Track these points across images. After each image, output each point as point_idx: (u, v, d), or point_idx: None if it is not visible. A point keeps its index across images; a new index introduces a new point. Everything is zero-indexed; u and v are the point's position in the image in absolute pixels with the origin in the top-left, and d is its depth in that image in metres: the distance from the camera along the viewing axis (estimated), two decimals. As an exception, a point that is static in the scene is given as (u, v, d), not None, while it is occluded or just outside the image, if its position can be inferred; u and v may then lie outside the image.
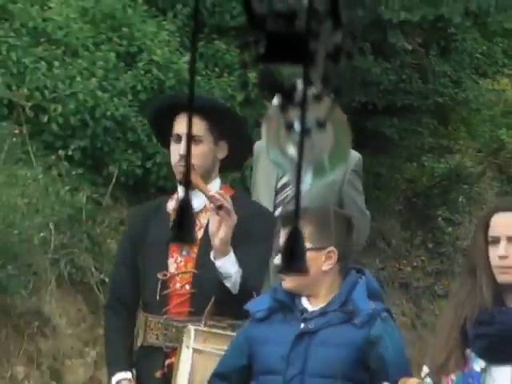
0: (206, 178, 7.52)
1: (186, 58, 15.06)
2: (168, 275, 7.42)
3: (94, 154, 14.51)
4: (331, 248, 7.26)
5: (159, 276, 7.37)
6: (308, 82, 1.65)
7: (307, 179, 1.75)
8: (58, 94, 13.72)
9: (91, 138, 13.99)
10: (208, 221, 7.53)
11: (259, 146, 12.12)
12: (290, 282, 6.94)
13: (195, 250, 7.54)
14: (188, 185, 6.32)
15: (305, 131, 1.67)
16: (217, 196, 7.23)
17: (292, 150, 1.70)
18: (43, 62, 14.35)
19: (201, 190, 7.34)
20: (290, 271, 1.98)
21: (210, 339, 6.99)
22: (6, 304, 16.09)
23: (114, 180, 13.89)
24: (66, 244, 17.52)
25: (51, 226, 15.07)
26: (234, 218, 7.17)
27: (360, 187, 11.56)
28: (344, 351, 6.82)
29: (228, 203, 7.23)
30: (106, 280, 16.44)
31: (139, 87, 15.16)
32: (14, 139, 15.36)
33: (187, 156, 7.82)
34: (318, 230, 7.41)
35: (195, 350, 6.76)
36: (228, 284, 7.25)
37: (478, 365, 6.26)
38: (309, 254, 6.77)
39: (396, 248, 20.14)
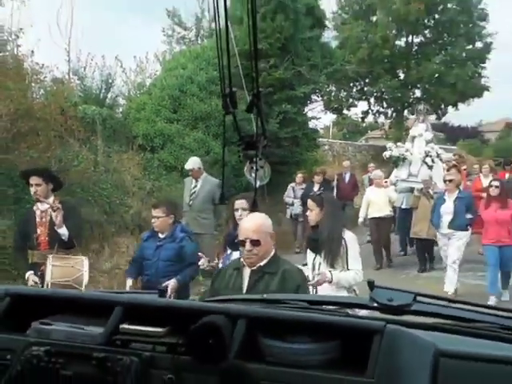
0: (47, 196, 6.61)
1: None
2: (37, 235, 6.58)
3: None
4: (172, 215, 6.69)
5: (34, 235, 6.56)
6: (257, 155, 1.56)
7: (258, 184, 1.70)
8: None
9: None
10: (50, 213, 6.66)
11: (185, 180, 10.72)
12: None
13: (47, 225, 6.70)
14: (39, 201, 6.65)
15: (257, 169, 1.59)
16: (53, 205, 6.43)
17: (253, 175, 1.65)
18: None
19: (47, 203, 6.55)
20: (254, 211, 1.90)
21: (59, 260, 6.33)
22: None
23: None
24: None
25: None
26: (61, 212, 6.38)
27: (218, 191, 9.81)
28: (172, 251, 6.38)
29: (59, 207, 6.47)
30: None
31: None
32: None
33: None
34: (171, 206, 6.89)
35: (53, 265, 6.24)
36: (63, 238, 6.48)
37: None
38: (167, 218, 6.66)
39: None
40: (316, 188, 13.27)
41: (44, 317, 1.90)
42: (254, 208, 1.94)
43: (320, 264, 5.44)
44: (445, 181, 10.55)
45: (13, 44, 10.86)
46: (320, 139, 22.92)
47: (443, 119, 39.52)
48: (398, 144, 14.43)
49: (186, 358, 1.69)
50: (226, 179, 11.64)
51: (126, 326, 1.82)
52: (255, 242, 4.01)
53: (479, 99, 34.85)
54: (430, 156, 13.50)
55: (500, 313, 1.96)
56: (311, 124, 19.68)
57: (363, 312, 2.11)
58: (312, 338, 1.71)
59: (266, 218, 4.25)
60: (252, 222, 4.12)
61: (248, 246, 4.02)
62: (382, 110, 35.56)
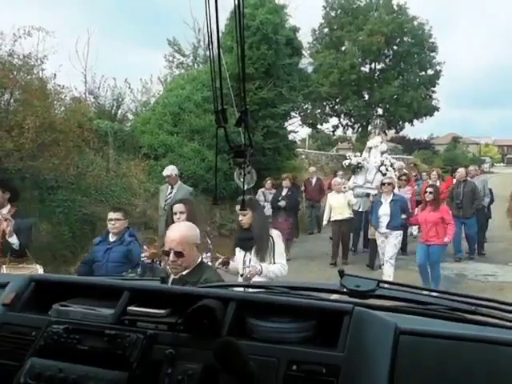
0: (3, 205, 5.95)
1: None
2: None
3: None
4: (127, 219, 5.91)
5: None
6: (245, 162, 1.53)
7: (246, 187, 1.64)
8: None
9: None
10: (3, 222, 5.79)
11: (162, 187, 10.07)
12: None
13: (0, 233, 5.86)
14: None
15: (245, 174, 1.56)
16: (3, 215, 5.64)
17: (242, 179, 1.59)
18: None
19: None
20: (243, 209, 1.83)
21: (12, 270, 5.39)
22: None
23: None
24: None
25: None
26: (12, 222, 5.69)
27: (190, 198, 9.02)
28: (120, 253, 5.72)
29: (8, 217, 5.79)
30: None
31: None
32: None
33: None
34: (126, 212, 6.37)
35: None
36: (14, 246, 5.69)
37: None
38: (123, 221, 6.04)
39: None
40: (284, 192, 12.92)
41: (63, 300, 1.89)
42: (242, 207, 1.91)
43: (250, 260, 5.13)
44: (383, 184, 10.09)
45: (38, 68, 10.79)
46: (298, 149, 22.91)
47: (401, 133, 39.97)
48: (357, 154, 14.33)
49: (184, 335, 1.68)
50: (218, 183, 11.50)
51: (132, 308, 1.81)
52: (178, 254, 3.51)
53: (430, 117, 35.45)
54: (385, 165, 13.29)
55: (448, 296, 1.97)
56: (290, 136, 19.67)
57: (334, 296, 2.11)
58: (291, 318, 1.70)
59: (193, 229, 3.74)
60: (176, 233, 3.61)
61: (172, 256, 3.52)
62: (349, 124, 35.99)
